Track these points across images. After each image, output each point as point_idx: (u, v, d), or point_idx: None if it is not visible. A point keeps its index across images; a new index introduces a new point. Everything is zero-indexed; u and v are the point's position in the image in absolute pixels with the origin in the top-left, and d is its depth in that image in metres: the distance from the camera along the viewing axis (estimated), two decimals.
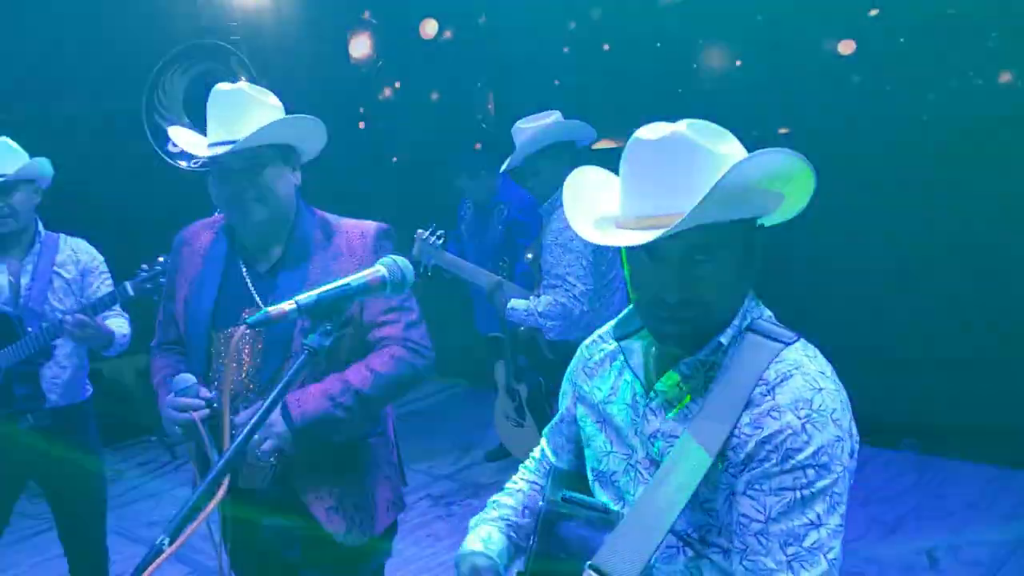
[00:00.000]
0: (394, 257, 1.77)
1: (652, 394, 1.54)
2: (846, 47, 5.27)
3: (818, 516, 1.33)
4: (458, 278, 5.17)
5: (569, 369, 1.81)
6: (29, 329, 3.26)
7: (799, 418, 1.35)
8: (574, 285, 3.78)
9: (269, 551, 2.40)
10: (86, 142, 6.15)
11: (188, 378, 2.21)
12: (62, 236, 3.43)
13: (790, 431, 1.35)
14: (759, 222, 1.48)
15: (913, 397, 4.99)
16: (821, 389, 1.38)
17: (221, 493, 1.33)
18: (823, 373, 1.42)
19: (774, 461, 1.35)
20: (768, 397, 1.39)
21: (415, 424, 6.49)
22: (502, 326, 4.90)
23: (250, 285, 2.32)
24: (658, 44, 5.94)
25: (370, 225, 2.39)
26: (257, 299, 2.30)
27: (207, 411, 2.17)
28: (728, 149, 1.41)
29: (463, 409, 6.88)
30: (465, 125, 7.15)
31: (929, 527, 4.24)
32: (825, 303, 4.97)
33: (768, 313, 1.55)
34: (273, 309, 1.55)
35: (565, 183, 1.62)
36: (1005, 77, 4.83)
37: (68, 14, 5.99)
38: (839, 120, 5.22)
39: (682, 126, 1.40)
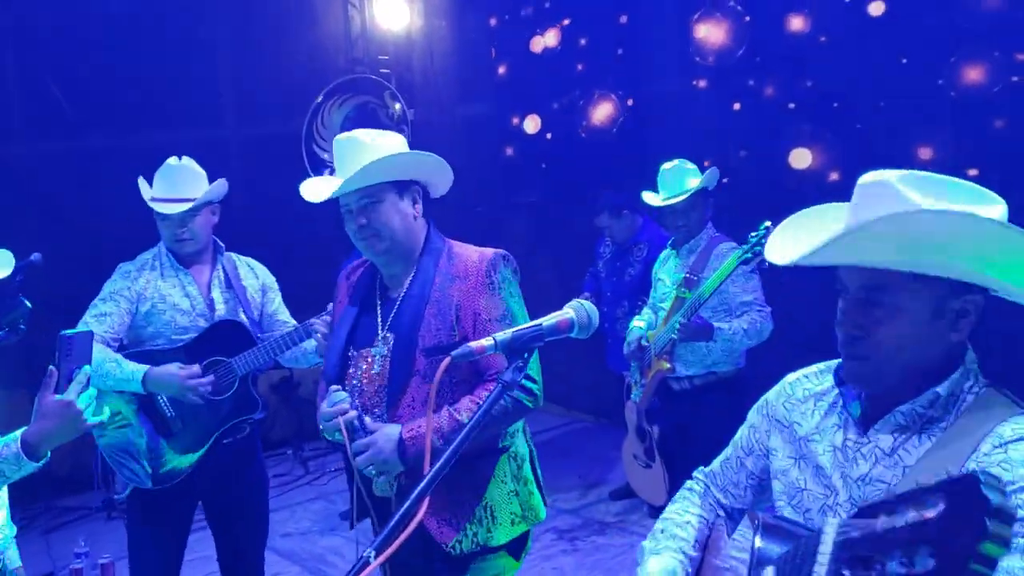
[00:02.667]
0: (582, 302, 1.86)
1: (866, 439, 1.55)
2: None
3: None
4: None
5: (765, 401, 1.82)
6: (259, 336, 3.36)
7: None
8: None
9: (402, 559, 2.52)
10: (250, 165, 6.53)
11: (342, 394, 2.38)
12: (233, 254, 3.52)
13: (1021, 483, 1.33)
14: (978, 288, 1.44)
15: None
16: None
17: (423, 511, 1.43)
18: None
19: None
20: (999, 450, 1.38)
21: (539, 455, 6.55)
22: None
23: (378, 310, 2.53)
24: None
25: (488, 251, 2.52)
26: (379, 323, 2.50)
27: (353, 413, 2.34)
28: (933, 201, 1.38)
29: (588, 445, 6.91)
30: (609, 163, 7.23)
31: None
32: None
33: (986, 382, 1.52)
34: (475, 345, 1.70)
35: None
36: None
37: (234, 42, 6.38)
38: None
39: (900, 173, 1.42)
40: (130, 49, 6.12)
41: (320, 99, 6.19)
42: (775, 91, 5.94)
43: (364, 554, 1.35)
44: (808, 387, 1.74)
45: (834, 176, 5.59)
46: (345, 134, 2.52)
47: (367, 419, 2.35)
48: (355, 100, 6.32)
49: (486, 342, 1.70)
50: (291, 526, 5.48)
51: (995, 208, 1.41)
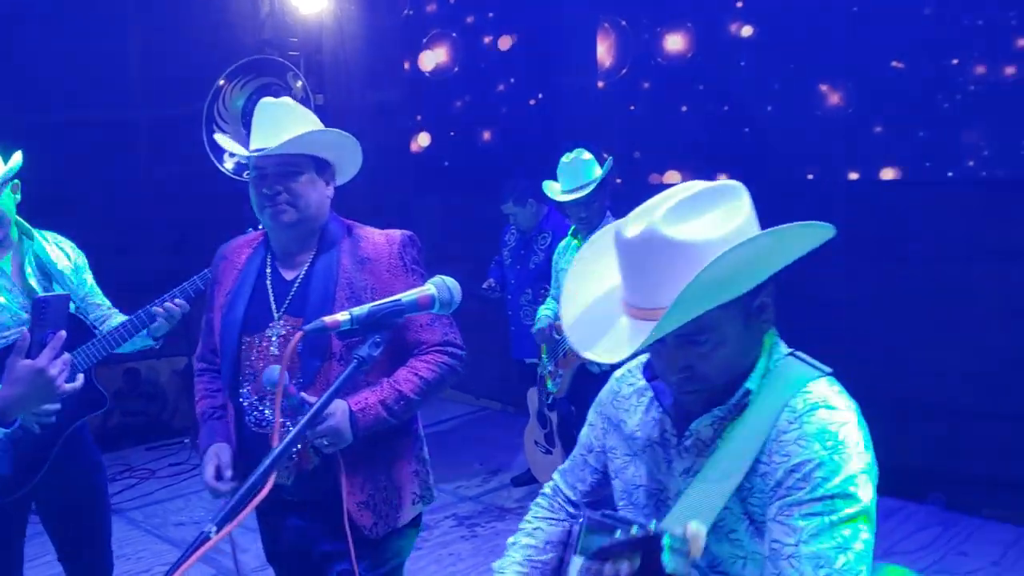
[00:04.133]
0: (443, 277, 1.88)
1: (687, 434, 1.59)
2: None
3: (845, 540, 1.38)
4: (502, 300, 5.33)
5: (599, 400, 1.85)
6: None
7: (826, 448, 1.41)
8: None
9: (299, 545, 2.52)
10: (143, 146, 6.38)
11: (277, 366, 2.25)
12: (37, 232, 3.15)
13: (819, 461, 1.41)
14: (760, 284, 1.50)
15: (941, 451, 4.99)
16: (847, 422, 1.45)
17: (268, 487, 1.42)
18: (848, 407, 1.49)
19: (805, 490, 1.41)
20: (795, 425, 1.46)
21: (445, 443, 6.57)
22: (538, 353, 5.00)
23: (270, 292, 2.47)
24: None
25: (395, 232, 2.51)
26: (273, 307, 2.45)
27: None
28: (709, 231, 1.42)
29: (494, 432, 6.94)
30: (518, 150, 7.26)
31: None
32: (859, 353, 4.98)
33: (786, 349, 1.60)
34: (329, 320, 1.68)
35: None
36: None
37: (135, 20, 6.22)
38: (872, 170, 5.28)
39: (659, 214, 1.42)
40: (34, 27, 5.93)
41: (222, 81, 6.07)
42: (669, 94, 6.12)
43: (205, 529, 1.33)
44: (632, 383, 1.77)
45: (722, 177, 5.72)
46: (272, 98, 2.47)
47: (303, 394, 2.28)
48: (258, 82, 6.21)
49: (341, 316, 1.68)
50: (185, 515, 5.36)
51: (741, 197, 1.48)
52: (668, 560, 1.26)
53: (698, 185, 1.48)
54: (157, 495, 5.69)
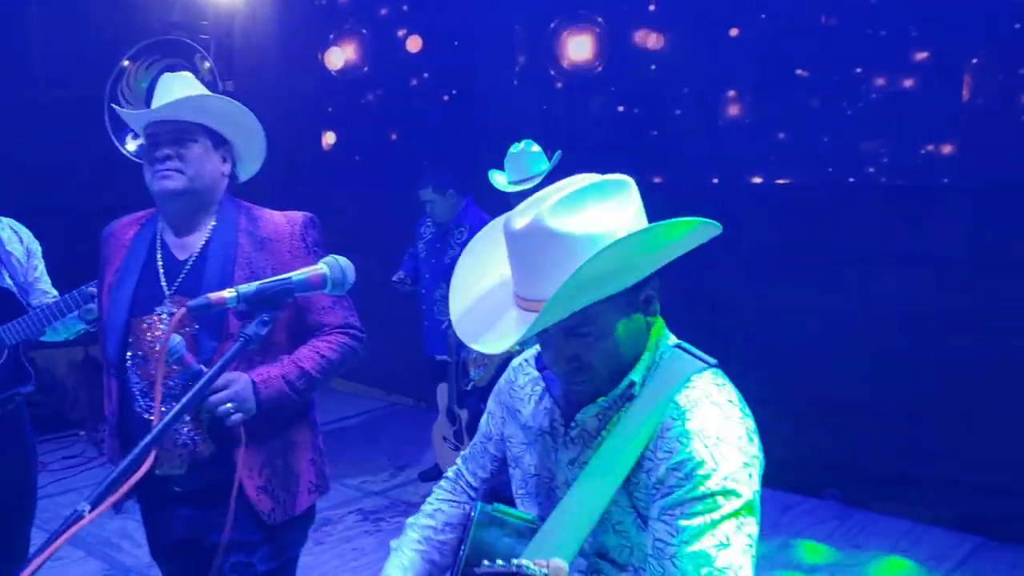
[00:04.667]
0: (336, 257, 1.85)
1: (573, 424, 1.60)
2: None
3: (727, 537, 1.39)
4: (415, 295, 5.27)
5: (497, 389, 1.86)
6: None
7: (707, 446, 1.43)
8: None
9: (188, 536, 2.45)
10: (47, 128, 6.15)
11: (178, 336, 2.20)
12: None
13: (699, 459, 1.42)
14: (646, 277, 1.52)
15: (838, 448, 5.14)
16: (728, 417, 1.47)
17: (146, 466, 1.37)
18: (731, 401, 1.50)
19: (686, 488, 1.42)
20: (678, 422, 1.47)
21: (354, 438, 6.51)
22: (449, 350, 4.96)
23: (161, 272, 2.39)
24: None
25: (296, 214, 2.47)
26: (164, 286, 2.37)
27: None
28: (594, 224, 1.43)
29: (403, 428, 6.89)
30: (432, 146, 7.23)
31: (844, 574, 4.35)
32: (759, 352, 5.11)
33: (673, 340, 1.62)
34: (214, 296, 1.64)
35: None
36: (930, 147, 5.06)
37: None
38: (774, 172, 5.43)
39: (546, 206, 1.43)
40: None
41: (127, 62, 5.89)
42: (581, 94, 6.25)
43: (78, 508, 1.28)
44: (528, 372, 1.79)
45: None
46: (173, 73, 2.42)
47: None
48: (164, 63, 6.03)
49: (227, 293, 1.65)
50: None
51: (627, 191, 1.50)
52: None
53: (589, 178, 1.49)
54: (49, 489, 5.48)
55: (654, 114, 5.99)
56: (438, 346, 5.24)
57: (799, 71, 5.30)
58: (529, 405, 1.74)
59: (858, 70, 5.17)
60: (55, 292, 3.25)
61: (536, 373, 1.73)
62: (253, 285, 1.68)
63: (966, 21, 4.74)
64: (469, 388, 4.89)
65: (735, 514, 1.40)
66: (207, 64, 6.00)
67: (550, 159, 4.44)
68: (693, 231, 1.45)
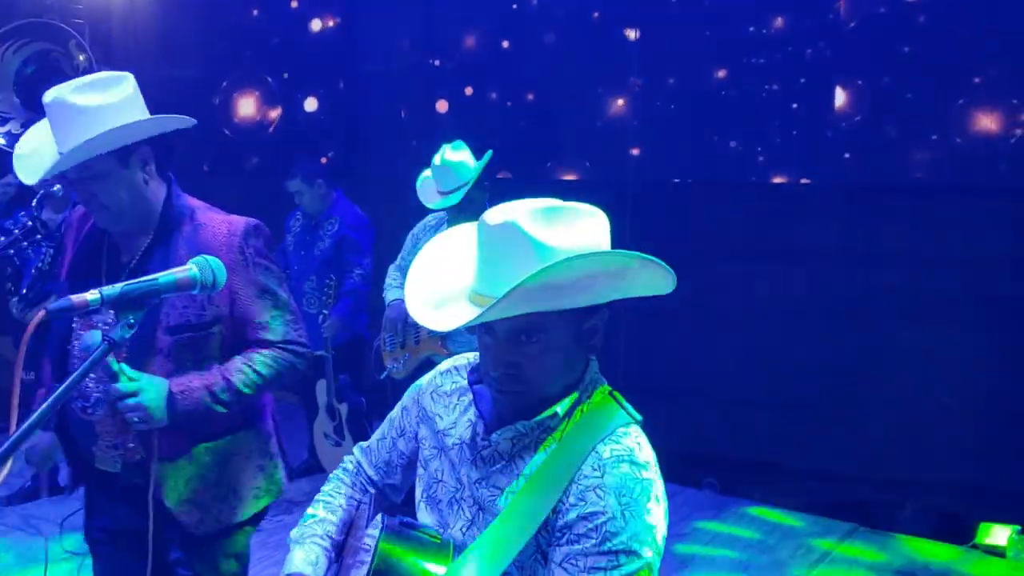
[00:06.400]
0: (207, 257, 1.82)
1: (487, 443, 1.61)
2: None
3: None
4: None
5: (418, 387, 1.83)
6: None
7: (620, 504, 1.46)
8: None
9: (126, 528, 2.40)
10: None
11: (97, 333, 2.18)
12: None
13: (610, 515, 1.45)
14: (603, 305, 1.54)
15: (715, 438, 5.30)
16: (642, 480, 1.49)
17: (3, 473, 1.33)
18: (648, 463, 1.52)
19: (593, 541, 1.45)
20: (597, 473, 1.49)
21: None
22: (326, 345, 4.89)
23: (103, 277, 2.32)
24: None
25: (238, 222, 2.37)
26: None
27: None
28: (563, 239, 1.45)
29: (286, 426, 6.73)
30: (315, 135, 7.13)
31: (719, 563, 4.48)
32: (639, 345, 5.21)
33: (606, 387, 1.63)
34: (76, 298, 1.59)
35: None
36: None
37: None
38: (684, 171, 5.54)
39: (524, 210, 1.47)
40: None
41: None
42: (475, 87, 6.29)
43: None
44: (456, 381, 1.77)
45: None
46: (53, 93, 2.19)
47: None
48: (35, 47, 5.76)
49: (90, 296, 1.59)
50: None
51: (600, 222, 1.52)
52: None
53: (568, 203, 1.52)
54: None
55: (541, 111, 6.04)
56: (313, 342, 5.13)
57: (670, 80, 5.41)
58: (452, 414, 1.73)
59: (740, 69, 5.34)
60: None
61: (465, 383, 1.72)
62: (117, 287, 1.64)
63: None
64: (383, 378, 4.76)
65: (634, 573, 1.44)
66: (83, 56, 5.76)
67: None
68: (659, 274, 1.49)
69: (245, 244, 2.33)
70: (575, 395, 1.58)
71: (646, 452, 1.54)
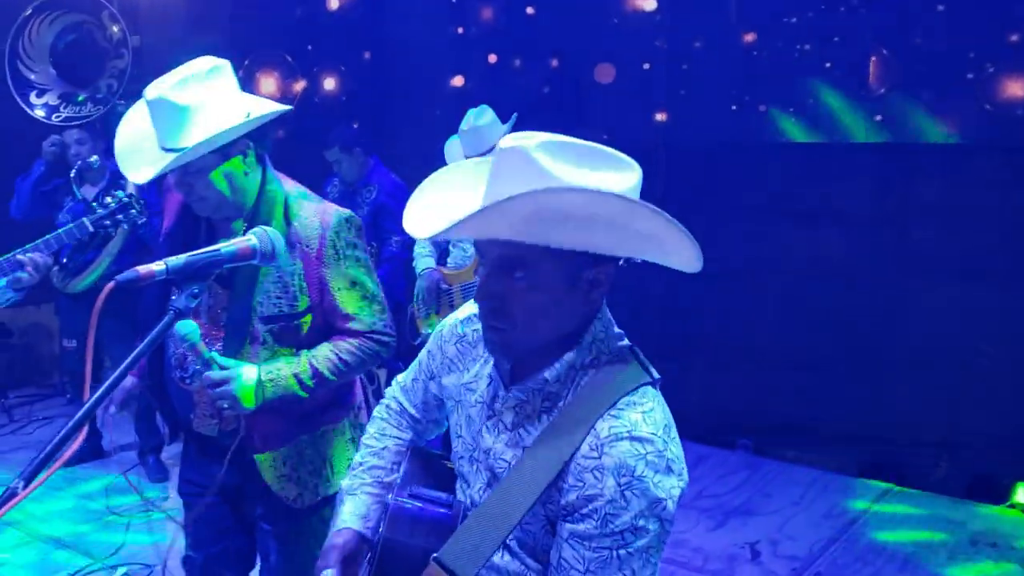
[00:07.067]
0: (266, 228, 1.87)
1: (492, 411, 1.58)
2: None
3: (633, 571, 1.41)
4: None
5: (440, 333, 1.78)
6: None
7: (619, 485, 1.39)
8: None
9: (226, 499, 2.50)
10: None
11: (194, 324, 2.15)
12: None
13: (609, 498, 1.40)
14: (609, 258, 1.47)
15: (749, 399, 5.32)
16: (646, 455, 1.41)
17: (79, 442, 1.36)
18: (654, 434, 1.43)
19: (594, 522, 1.41)
20: (594, 454, 1.42)
21: None
22: None
23: None
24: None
25: (330, 213, 2.39)
26: None
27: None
28: (570, 173, 1.38)
29: None
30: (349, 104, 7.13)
31: (754, 522, 4.52)
32: (671, 307, 5.23)
33: (621, 342, 1.55)
34: (143, 269, 1.63)
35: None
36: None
37: None
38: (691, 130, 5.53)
39: (540, 139, 1.40)
40: None
41: (29, 12, 5.62)
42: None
43: (13, 485, 1.27)
44: (479, 328, 1.65)
45: None
46: (156, 91, 2.19)
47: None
48: (69, 18, 5.77)
49: (156, 267, 1.63)
50: None
51: (629, 176, 1.44)
52: None
53: (613, 151, 1.45)
54: None
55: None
56: None
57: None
58: (474, 367, 1.67)
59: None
60: None
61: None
62: (182, 258, 1.68)
63: None
64: (417, 343, 4.85)
65: (642, 549, 1.41)
66: (116, 27, 5.77)
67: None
68: (682, 241, 1.40)
69: (337, 238, 2.36)
70: (570, 358, 1.50)
71: (651, 421, 1.44)
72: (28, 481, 1.28)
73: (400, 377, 1.92)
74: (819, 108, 5.27)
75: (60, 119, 5.51)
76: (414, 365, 1.86)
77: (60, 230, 3.10)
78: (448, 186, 1.58)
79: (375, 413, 1.94)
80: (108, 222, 3.09)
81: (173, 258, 1.67)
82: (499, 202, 1.32)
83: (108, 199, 3.12)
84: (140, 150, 2.27)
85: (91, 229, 3.09)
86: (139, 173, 2.23)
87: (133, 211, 3.07)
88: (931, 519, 4.56)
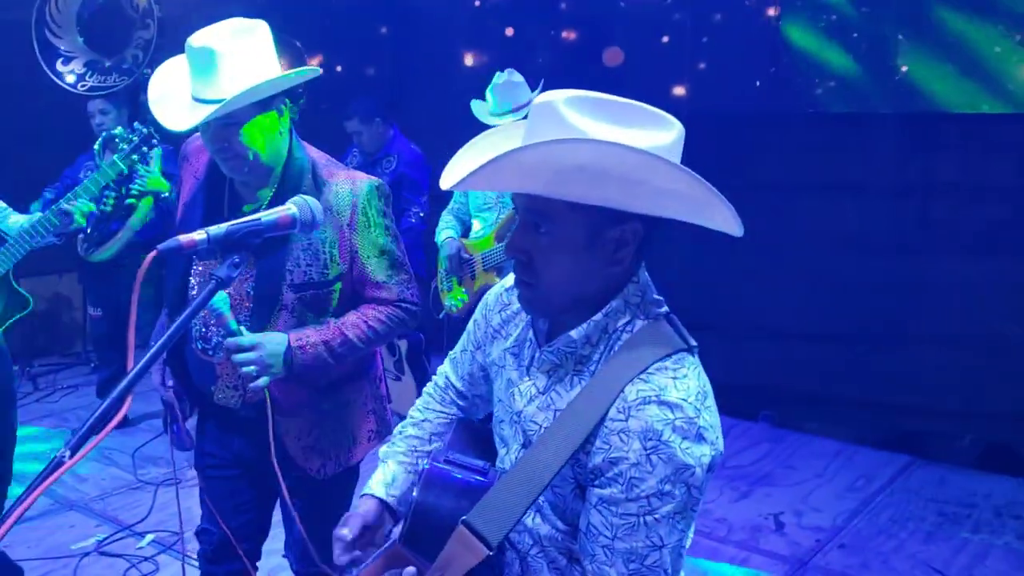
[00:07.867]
0: (305, 197, 1.85)
1: (527, 377, 1.58)
2: None
3: (660, 538, 1.39)
4: None
5: (486, 303, 1.78)
6: None
7: (645, 449, 1.37)
8: None
9: (240, 459, 2.50)
10: None
11: (224, 295, 2.18)
12: None
13: (634, 461, 1.37)
14: (636, 216, 1.42)
15: (772, 372, 5.32)
16: (673, 420, 1.37)
17: (123, 412, 1.36)
18: (684, 400, 1.40)
19: (620, 487, 1.39)
20: (622, 416, 1.40)
21: None
22: None
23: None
24: None
25: (362, 181, 2.37)
26: None
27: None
28: (596, 128, 1.35)
29: None
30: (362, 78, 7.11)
31: (778, 494, 4.53)
32: (695, 279, 5.21)
33: (659, 309, 1.52)
34: (184, 239, 1.62)
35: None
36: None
37: None
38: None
39: (571, 94, 1.37)
40: None
41: None
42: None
43: (59, 454, 1.27)
44: None
45: None
46: (202, 39, 2.15)
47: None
48: None
49: (198, 236, 1.63)
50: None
51: (663, 134, 1.40)
52: None
53: (652, 108, 1.42)
54: None
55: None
56: None
57: None
58: (516, 329, 1.66)
59: None
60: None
61: None
62: (223, 227, 1.66)
63: None
64: (441, 317, 4.88)
65: (670, 515, 1.39)
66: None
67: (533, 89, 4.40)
68: (711, 201, 1.39)
69: (368, 205, 2.34)
70: (600, 319, 1.48)
71: (685, 387, 1.41)
72: (75, 450, 1.28)
73: (453, 352, 1.92)
74: (841, 80, 5.22)
75: (86, 88, 5.52)
76: (464, 336, 1.87)
77: (95, 173, 3.18)
78: (490, 144, 1.55)
79: (425, 389, 1.95)
80: (135, 156, 3.13)
81: (214, 227, 1.66)
82: (507, 153, 1.30)
83: (131, 135, 3.16)
84: (175, 100, 2.25)
85: (122, 166, 3.13)
86: (177, 122, 2.20)
87: (155, 140, 3.11)
88: (954, 491, 4.56)
